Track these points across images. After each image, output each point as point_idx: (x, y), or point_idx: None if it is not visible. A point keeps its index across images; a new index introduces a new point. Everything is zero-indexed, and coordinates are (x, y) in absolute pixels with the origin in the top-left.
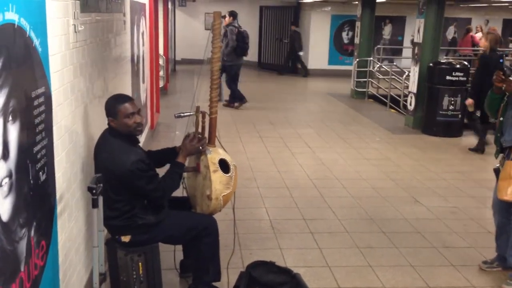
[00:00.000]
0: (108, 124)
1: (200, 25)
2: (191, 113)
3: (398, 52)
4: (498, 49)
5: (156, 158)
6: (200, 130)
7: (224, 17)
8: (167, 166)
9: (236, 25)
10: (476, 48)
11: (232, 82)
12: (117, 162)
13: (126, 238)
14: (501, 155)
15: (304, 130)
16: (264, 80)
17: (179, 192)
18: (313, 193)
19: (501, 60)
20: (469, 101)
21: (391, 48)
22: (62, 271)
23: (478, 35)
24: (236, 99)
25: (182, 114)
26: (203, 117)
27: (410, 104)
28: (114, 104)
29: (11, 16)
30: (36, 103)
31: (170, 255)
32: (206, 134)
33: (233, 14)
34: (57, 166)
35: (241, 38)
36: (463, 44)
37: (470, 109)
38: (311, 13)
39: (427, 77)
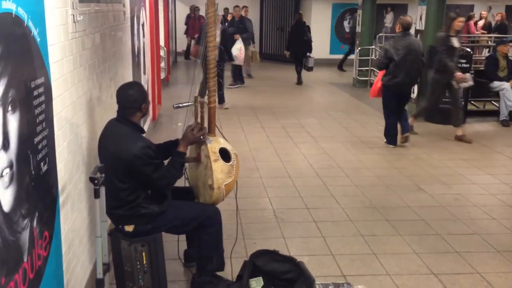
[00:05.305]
0: (123, 111)
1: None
2: (189, 104)
3: None
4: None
5: (160, 151)
6: (199, 120)
7: None
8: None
9: None
10: (469, 35)
11: None
12: (126, 147)
13: (129, 228)
14: None
15: (307, 120)
16: (265, 69)
17: (181, 183)
18: (316, 182)
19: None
20: (287, 52)
21: (392, 36)
22: (66, 262)
23: (481, 23)
24: None
25: (181, 105)
26: (202, 107)
27: (413, 92)
28: (144, 90)
29: (9, 5)
30: (36, 93)
31: (174, 245)
32: (206, 124)
33: None
34: (58, 156)
35: None
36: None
37: (288, 55)
38: (312, 2)
39: None
